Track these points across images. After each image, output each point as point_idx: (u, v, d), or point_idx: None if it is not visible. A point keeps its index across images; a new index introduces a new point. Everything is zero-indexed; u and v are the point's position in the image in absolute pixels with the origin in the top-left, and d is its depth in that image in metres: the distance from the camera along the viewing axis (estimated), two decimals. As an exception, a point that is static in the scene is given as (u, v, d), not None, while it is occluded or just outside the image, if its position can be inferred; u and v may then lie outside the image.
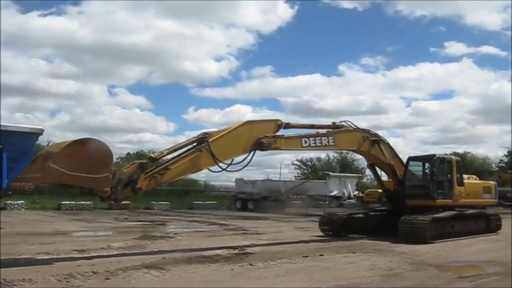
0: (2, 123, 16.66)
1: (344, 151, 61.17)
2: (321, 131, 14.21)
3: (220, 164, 11.67)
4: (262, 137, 12.39)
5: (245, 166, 12.34)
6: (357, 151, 15.60)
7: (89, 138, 9.53)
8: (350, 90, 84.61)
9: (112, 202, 10.51)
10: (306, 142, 13.56)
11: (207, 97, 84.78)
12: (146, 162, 10.69)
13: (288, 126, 13.61)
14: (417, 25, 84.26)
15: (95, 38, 73.58)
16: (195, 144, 11.52)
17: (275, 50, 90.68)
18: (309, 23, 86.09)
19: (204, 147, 11.34)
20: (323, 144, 13.89)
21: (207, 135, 11.61)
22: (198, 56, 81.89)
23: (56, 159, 8.88)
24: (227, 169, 11.98)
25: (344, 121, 15.12)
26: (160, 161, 11.10)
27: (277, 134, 13.03)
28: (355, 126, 15.27)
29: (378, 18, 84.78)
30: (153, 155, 10.89)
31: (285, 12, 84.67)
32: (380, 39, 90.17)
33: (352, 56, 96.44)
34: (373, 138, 15.22)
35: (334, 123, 14.84)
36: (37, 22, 74.58)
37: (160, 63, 79.58)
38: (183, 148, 11.47)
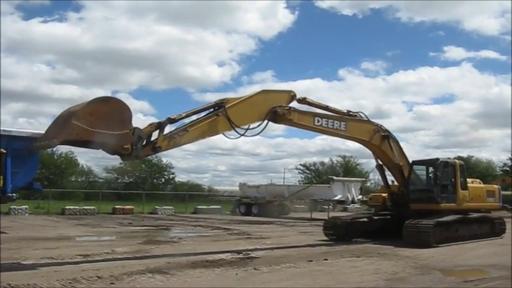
0: (5, 129, 16.82)
1: (347, 156, 61.84)
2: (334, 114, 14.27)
3: (238, 130, 11.88)
4: (277, 106, 12.54)
5: (259, 133, 12.51)
6: (368, 143, 15.30)
7: (109, 97, 9.80)
8: (351, 94, 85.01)
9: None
10: (318, 121, 13.61)
11: (208, 102, 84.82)
12: (165, 122, 10.73)
13: (304, 100, 13.70)
14: (416, 30, 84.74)
15: (97, 43, 74.40)
16: (212, 109, 11.66)
17: (276, 55, 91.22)
18: (309, 28, 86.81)
19: (222, 112, 11.52)
20: (334, 127, 13.90)
21: (224, 101, 11.73)
22: (200, 62, 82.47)
23: (78, 116, 9.08)
24: (244, 134, 12.15)
25: (357, 112, 15.10)
26: (179, 122, 11.16)
27: (292, 106, 13.11)
28: (368, 118, 15.28)
29: (377, 24, 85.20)
30: (172, 117, 10.89)
31: (285, 18, 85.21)
32: (380, 44, 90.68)
33: (352, 60, 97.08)
34: (383, 134, 15.21)
35: (348, 111, 14.83)
36: (39, 28, 75.74)
37: (163, 68, 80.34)
38: (201, 112, 11.60)
